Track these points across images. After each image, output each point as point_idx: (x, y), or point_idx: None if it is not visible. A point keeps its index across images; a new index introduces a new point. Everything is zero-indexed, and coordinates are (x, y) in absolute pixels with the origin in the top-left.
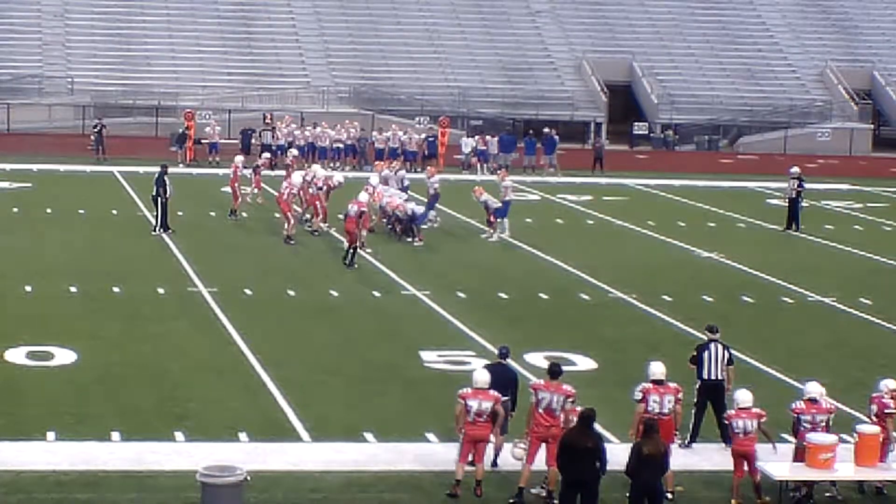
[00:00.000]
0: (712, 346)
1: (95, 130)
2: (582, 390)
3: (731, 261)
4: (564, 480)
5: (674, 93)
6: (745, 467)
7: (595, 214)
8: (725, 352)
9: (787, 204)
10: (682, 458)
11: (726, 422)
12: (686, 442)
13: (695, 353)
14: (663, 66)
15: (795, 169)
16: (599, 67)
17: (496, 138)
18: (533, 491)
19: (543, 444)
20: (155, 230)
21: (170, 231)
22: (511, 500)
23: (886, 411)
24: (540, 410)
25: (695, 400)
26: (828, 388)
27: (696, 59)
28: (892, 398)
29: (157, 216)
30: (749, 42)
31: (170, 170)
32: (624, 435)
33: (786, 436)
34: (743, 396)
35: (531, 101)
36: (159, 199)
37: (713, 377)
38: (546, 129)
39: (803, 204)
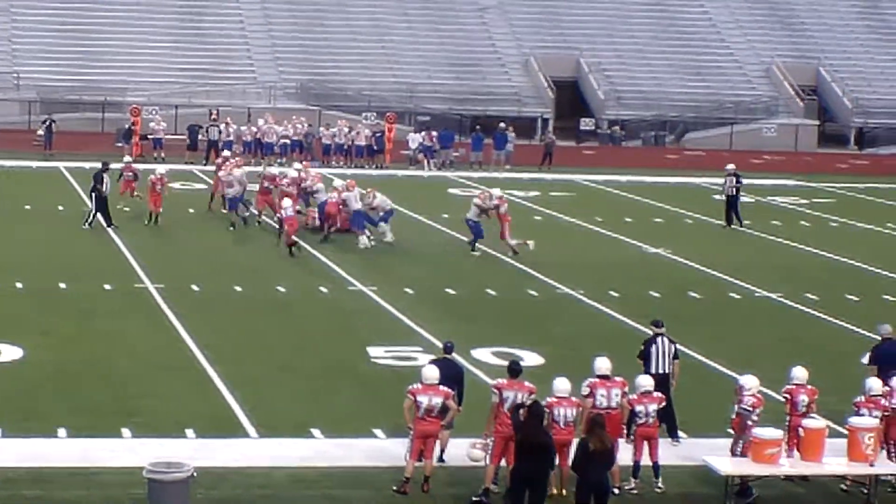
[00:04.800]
0: (659, 340)
1: (44, 126)
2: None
3: (678, 256)
4: (516, 476)
5: (620, 89)
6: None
7: (542, 210)
8: (672, 346)
9: (724, 200)
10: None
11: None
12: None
13: (642, 348)
14: (610, 61)
15: (731, 166)
16: (546, 63)
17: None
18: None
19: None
20: (85, 224)
21: (113, 226)
22: (475, 499)
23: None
24: (505, 409)
25: None
26: (775, 384)
27: (642, 55)
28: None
29: (91, 211)
30: (696, 38)
31: (112, 166)
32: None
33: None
34: (644, 381)
35: (478, 96)
36: (94, 194)
37: (661, 371)
38: (502, 125)
39: (745, 199)
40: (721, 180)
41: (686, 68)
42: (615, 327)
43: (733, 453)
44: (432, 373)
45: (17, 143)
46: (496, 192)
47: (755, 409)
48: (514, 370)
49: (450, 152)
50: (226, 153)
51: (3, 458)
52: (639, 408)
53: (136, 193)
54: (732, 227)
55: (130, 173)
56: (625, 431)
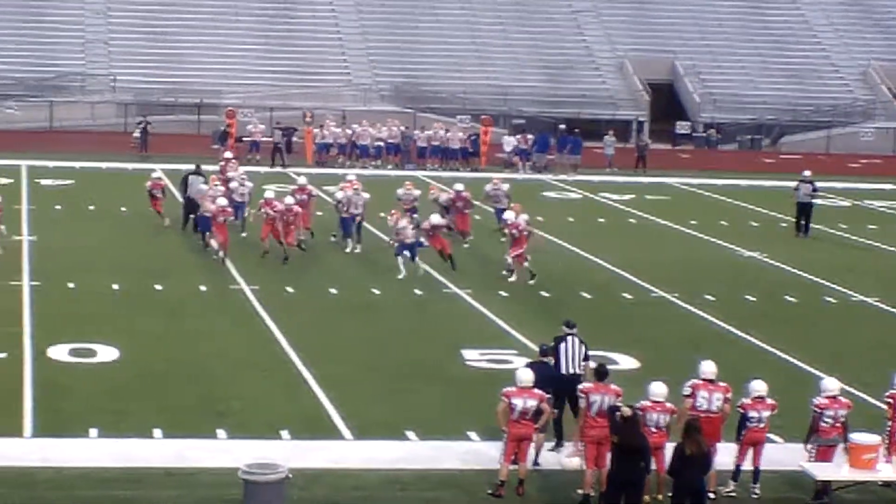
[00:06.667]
0: (569, 339)
1: (140, 128)
2: (624, 389)
3: (773, 260)
4: (613, 480)
5: (715, 91)
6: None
7: (637, 213)
8: (582, 347)
9: (797, 207)
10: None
11: (741, 411)
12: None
13: (552, 345)
14: (705, 64)
15: (807, 172)
16: (641, 66)
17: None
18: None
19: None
20: (183, 227)
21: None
22: None
23: None
24: (592, 414)
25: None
26: (870, 389)
27: (737, 58)
28: None
29: (182, 215)
30: (791, 40)
31: (208, 168)
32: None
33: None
34: (758, 386)
35: (573, 99)
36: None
37: (571, 371)
38: (576, 130)
39: (842, 204)
40: (793, 184)
41: (781, 71)
42: (709, 331)
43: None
44: (527, 375)
45: (114, 146)
46: (458, 186)
47: (824, 411)
48: (601, 373)
49: (543, 156)
50: (227, 154)
51: (98, 458)
52: (752, 413)
53: (161, 210)
54: (799, 235)
55: (159, 190)
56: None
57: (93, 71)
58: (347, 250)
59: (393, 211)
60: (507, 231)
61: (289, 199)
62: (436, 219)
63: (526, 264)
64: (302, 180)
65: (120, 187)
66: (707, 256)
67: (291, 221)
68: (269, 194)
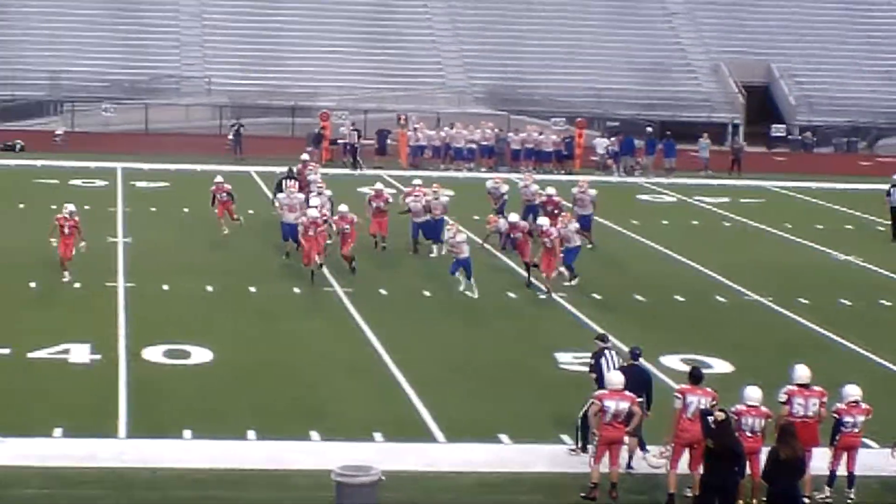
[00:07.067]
0: (607, 353)
1: (234, 130)
2: (719, 393)
3: (869, 264)
4: (706, 484)
5: (812, 94)
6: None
7: (732, 216)
8: (619, 358)
9: (893, 212)
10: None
11: (836, 416)
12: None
13: (592, 363)
14: (800, 66)
15: None
16: (736, 68)
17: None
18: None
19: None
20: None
21: None
22: None
23: None
24: (687, 415)
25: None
26: None
27: (834, 60)
28: None
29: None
30: (888, 42)
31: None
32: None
33: None
34: (853, 391)
35: (667, 102)
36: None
37: None
38: (649, 129)
39: None
40: (886, 186)
41: (877, 73)
42: (804, 335)
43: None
44: (618, 378)
45: (208, 148)
46: (550, 190)
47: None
48: (696, 376)
49: (628, 159)
50: (304, 156)
51: (193, 460)
52: (847, 418)
53: (235, 217)
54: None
55: (224, 194)
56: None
57: (188, 73)
58: (433, 255)
59: (491, 217)
60: (541, 239)
61: (313, 212)
62: (514, 217)
63: (555, 274)
64: (379, 186)
65: None
66: (802, 260)
67: (347, 232)
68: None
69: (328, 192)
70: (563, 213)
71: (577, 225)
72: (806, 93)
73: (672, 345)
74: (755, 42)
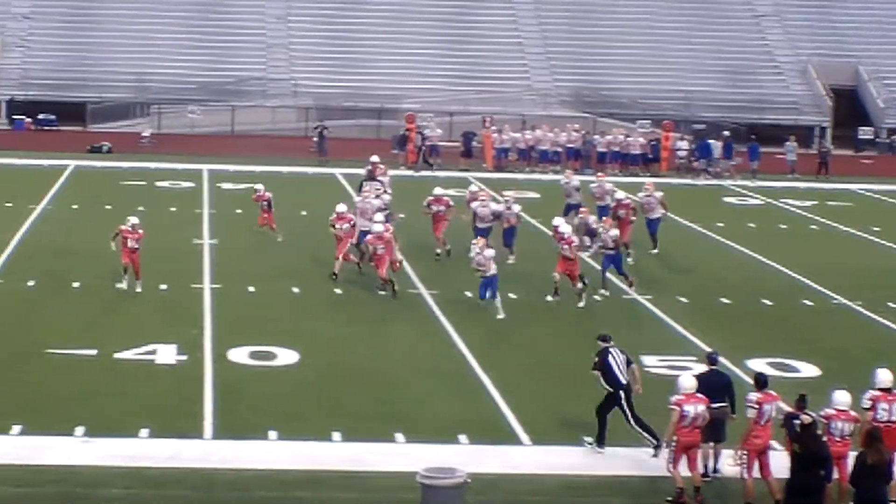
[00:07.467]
0: (613, 351)
1: (317, 132)
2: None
3: None
4: (793, 488)
5: None
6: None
7: (819, 220)
8: (623, 355)
9: None
10: None
11: (825, 421)
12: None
13: (597, 360)
14: (889, 69)
15: None
16: (824, 71)
17: (718, 143)
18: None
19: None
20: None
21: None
22: None
23: None
24: (762, 423)
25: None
26: None
27: None
28: None
29: None
30: None
31: (390, 172)
32: None
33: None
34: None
35: (753, 104)
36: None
37: (622, 381)
38: (726, 133)
39: None
40: None
41: None
42: (892, 339)
43: None
44: (689, 382)
45: (294, 150)
46: (619, 195)
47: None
48: (762, 381)
49: (702, 162)
50: (374, 157)
51: (278, 460)
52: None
53: (274, 227)
54: None
55: (265, 202)
56: None
57: (274, 75)
58: (510, 261)
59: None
60: (560, 245)
61: (377, 227)
62: (591, 219)
63: (580, 285)
64: (438, 191)
65: (300, 192)
66: (890, 264)
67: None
68: (340, 208)
69: (387, 197)
70: (632, 219)
71: (616, 232)
72: (894, 95)
73: (758, 348)
74: (843, 44)
